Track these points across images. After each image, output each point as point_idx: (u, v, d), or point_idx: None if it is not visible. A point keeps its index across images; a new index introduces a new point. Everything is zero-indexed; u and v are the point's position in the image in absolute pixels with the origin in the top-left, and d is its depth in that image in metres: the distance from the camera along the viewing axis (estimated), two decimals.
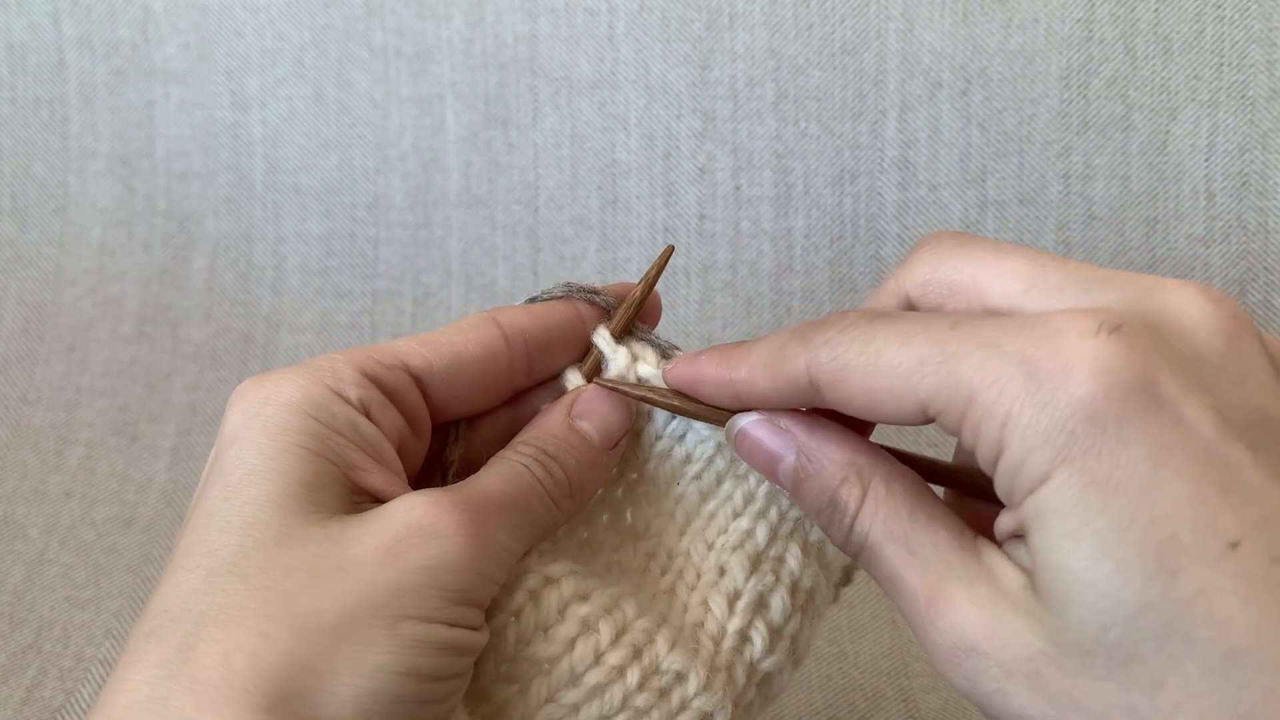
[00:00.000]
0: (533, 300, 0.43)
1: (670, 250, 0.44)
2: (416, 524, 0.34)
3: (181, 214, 0.80)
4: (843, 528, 0.35)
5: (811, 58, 0.74)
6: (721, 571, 0.41)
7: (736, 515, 0.42)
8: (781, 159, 0.75)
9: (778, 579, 0.41)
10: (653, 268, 0.44)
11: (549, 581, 0.38)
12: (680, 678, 0.38)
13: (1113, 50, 0.73)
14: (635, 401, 0.42)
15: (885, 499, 0.35)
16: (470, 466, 0.39)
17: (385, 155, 0.78)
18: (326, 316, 0.79)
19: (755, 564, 0.41)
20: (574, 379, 0.43)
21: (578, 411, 0.41)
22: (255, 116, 0.79)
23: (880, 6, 0.73)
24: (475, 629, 0.35)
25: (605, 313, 0.43)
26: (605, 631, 0.38)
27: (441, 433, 0.42)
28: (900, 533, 0.34)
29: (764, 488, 0.42)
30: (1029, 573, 0.31)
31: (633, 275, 0.76)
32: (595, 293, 0.43)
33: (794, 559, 0.42)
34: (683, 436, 0.42)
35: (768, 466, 0.38)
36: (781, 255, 0.75)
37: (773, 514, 0.42)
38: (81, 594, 0.65)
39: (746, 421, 0.39)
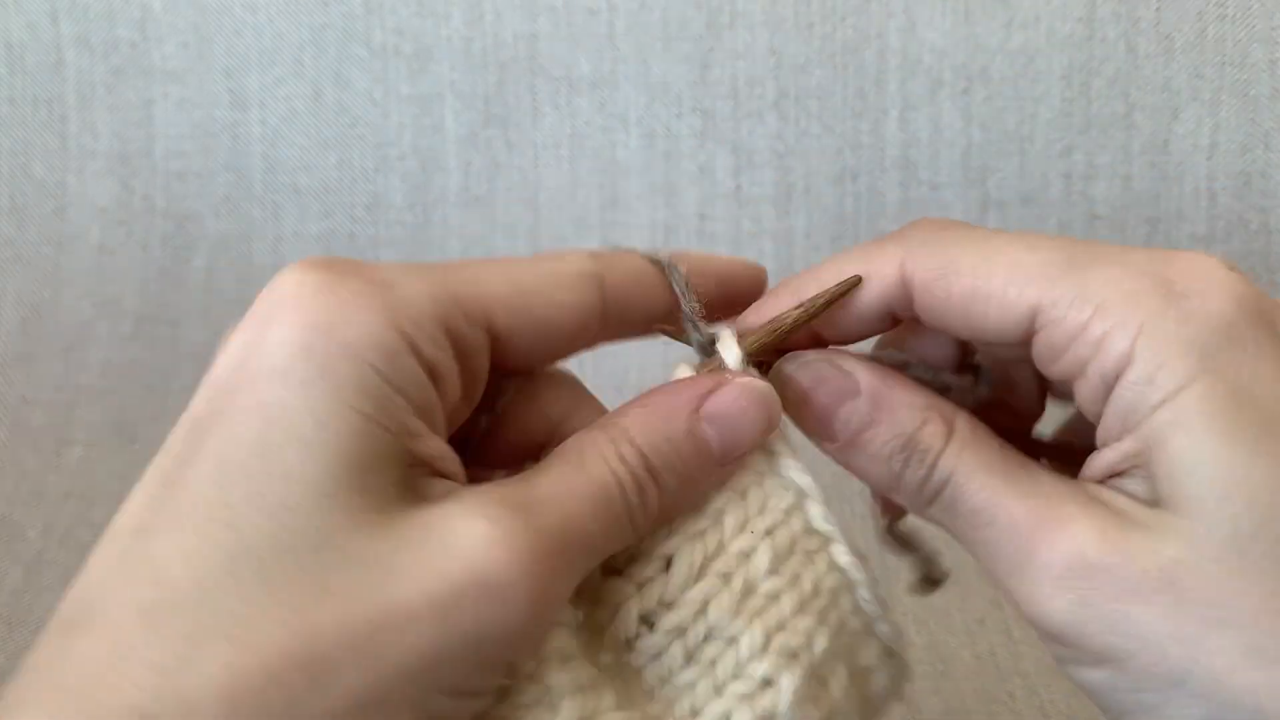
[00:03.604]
0: (652, 259, 0.35)
1: (857, 281, 0.34)
2: (479, 573, 0.27)
3: (180, 214, 0.79)
4: (921, 468, 0.32)
5: (812, 56, 0.74)
6: (767, 683, 0.32)
7: (801, 608, 0.33)
8: (782, 158, 0.75)
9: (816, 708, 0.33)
10: (823, 295, 0.34)
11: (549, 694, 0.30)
12: None
13: (1114, 49, 0.72)
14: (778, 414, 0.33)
15: (972, 437, 0.33)
16: (510, 420, 0.33)
17: (384, 155, 0.78)
18: None
19: (806, 684, 0.33)
20: (730, 351, 0.34)
21: (711, 411, 0.32)
22: (254, 116, 0.78)
23: (881, 5, 0.73)
24: (497, 688, 0.29)
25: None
26: None
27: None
28: (995, 464, 0.32)
29: (830, 579, 0.34)
30: (1148, 500, 0.30)
31: None
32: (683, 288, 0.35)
33: (839, 686, 0.33)
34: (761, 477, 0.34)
35: (826, 410, 0.33)
36: (782, 255, 0.75)
37: (833, 619, 0.34)
38: None
39: (806, 358, 0.34)
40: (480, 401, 0.34)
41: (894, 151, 0.74)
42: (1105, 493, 0.31)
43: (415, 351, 0.29)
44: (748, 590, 0.33)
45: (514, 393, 0.34)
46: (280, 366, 0.28)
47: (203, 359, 0.31)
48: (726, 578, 0.33)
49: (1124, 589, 0.29)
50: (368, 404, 0.28)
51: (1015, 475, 0.32)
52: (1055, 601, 0.30)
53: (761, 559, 0.33)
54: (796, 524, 0.34)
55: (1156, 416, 0.29)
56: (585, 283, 0.33)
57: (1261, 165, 0.73)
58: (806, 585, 0.33)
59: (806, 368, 0.34)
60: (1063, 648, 0.31)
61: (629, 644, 0.33)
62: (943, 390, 0.35)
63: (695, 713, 0.32)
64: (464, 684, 0.27)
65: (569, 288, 0.33)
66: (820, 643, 0.33)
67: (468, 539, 0.27)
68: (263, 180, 0.79)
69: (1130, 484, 0.31)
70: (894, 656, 0.35)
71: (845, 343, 0.36)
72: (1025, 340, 0.32)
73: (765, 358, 0.35)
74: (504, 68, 0.76)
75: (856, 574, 0.34)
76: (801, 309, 0.34)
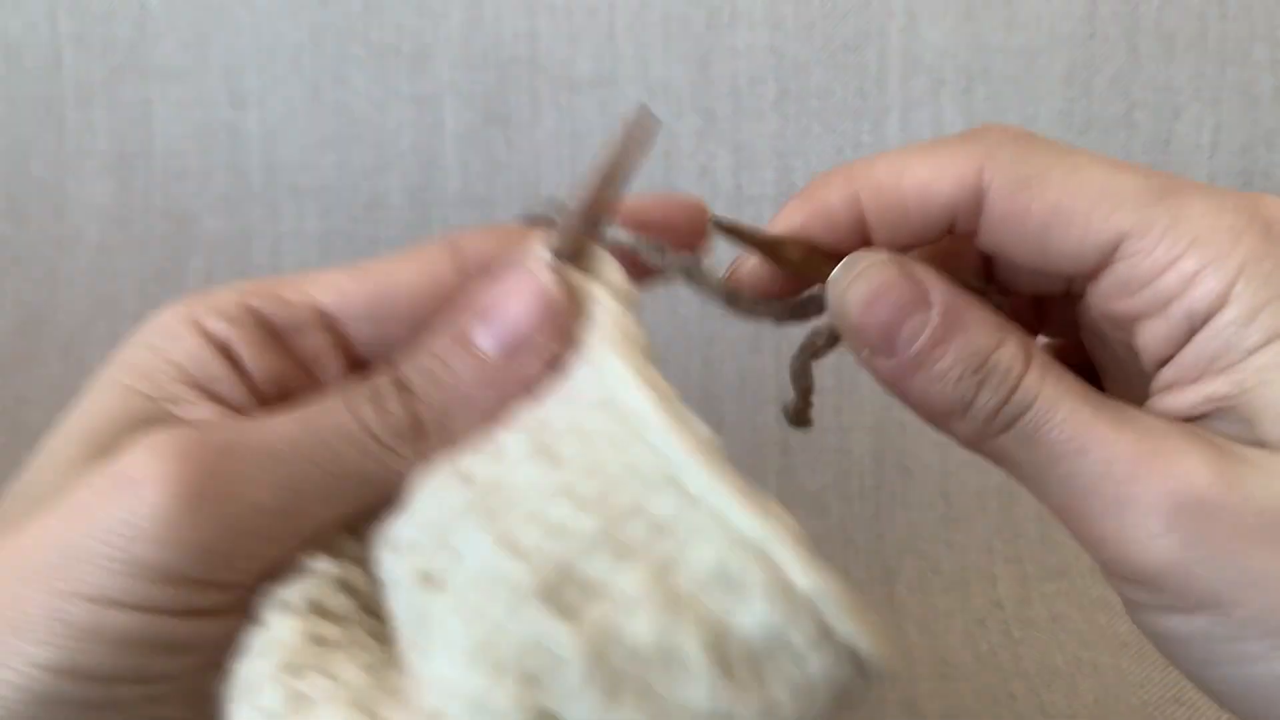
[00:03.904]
0: (526, 218, 0.32)
1: (646, 116, 0.30)
2: (115, 469, 0.26)
3: (179, 213, 0.79)
4: (1001, 390, 0.29)
5: (813, 55, 0.73)
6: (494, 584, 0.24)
7: (558, 489, 0.25)
8: (783, 157, 0.74)
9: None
10: (617, 144, 0.30)
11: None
12: None
13: (1116, 48, 0.72)
14: (576, 289, 0.29)
15: (1050, 364, 0.30)
16: None
17: (383, 154, 0.77)
18: None
19: (548, 590, 0.24)
20: (532, 250, 0.30)
21: (482, 307, 0.29)
22: (253, 115, 0.78)
23: (882, 4, 0.73)
24: (197, 615, 0.26)
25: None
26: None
27: None
28: (1081, 391, 0.29)
29: (642, 459, 0.25)
30: (1243, 439, 0.28)
31: None
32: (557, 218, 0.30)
33: (620, 598, 0.23)
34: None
35: (892, 322, 0.30)
36: None
37: (625, 500, 0.25)
38: None
39: (873, 260, 0.30)
40: None
41: None
42: (1200, 430, 0.29)
43: (196, 327, 0.30)
44: (491, 487, 0.26)
45: None
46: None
47: None
48: (466, 478, 0.27)
49: (1241, 529, 0.27)
50: (129, 375, 0.30)
51: (1104, 403, 0.29)
52: (1161, 540, 0.27)
53: (517, 447, 0.27)
54: (604, 413, 0.27)
55: (1256, 359, 0.28)
56: (430, 247, 0.31)
57: (1264, 165, 0.73)
58: (575, 470, 0.25)
59: (871, 272, 0.30)
60: (1154, 593, 0.28)
61: (381, 584, 0.28)
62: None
63: (426, 653, 0.25)
64: (106, 587, 0.25)
65: (410, 254, 0.31)
66: (579, 536, 0.24)
67: (131, 448, 0.27)
68: (261, 180, 0.79)
69: (1221, 424, 0.29)
70: (755, 554, 0.23)
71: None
72: (1096, 270, 0.30)
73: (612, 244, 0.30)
74: (503, 67, 0.76)
75: (675, 452, 0.25)
76: (606, 167, 0.30)
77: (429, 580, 0.26)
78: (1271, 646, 0.27)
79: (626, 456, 0.25)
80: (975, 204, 0.30)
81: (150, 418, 0.29)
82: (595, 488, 0.25)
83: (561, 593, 0.23)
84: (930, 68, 0.73)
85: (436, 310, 0.31)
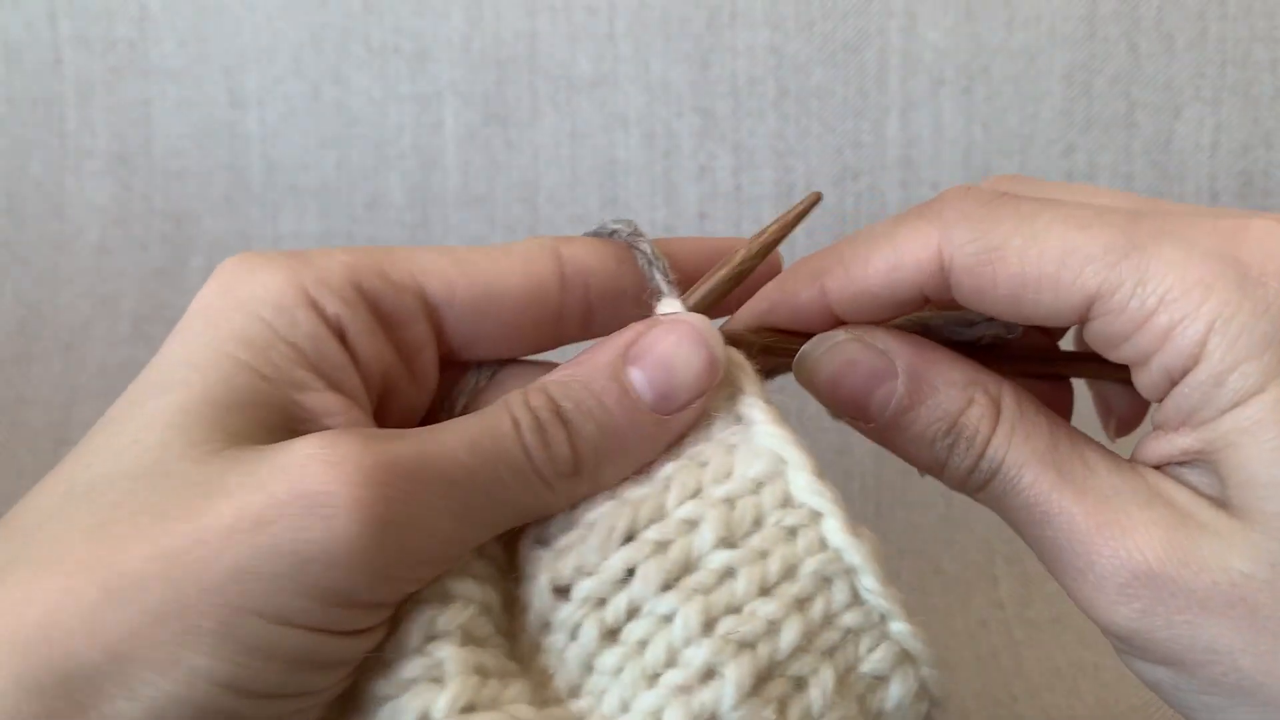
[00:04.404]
0: (598, 233, 0.32)
1: (817, 198, 0.33)
2: (298, 486, 0.25)
3: (179, 213, 0.79)
4: (969, 456, 0.30)
5: (813, 55, 0.73)
6: (708, 675, 0.27)
7: (764, 590, 0.28)
8: (783, 157, 0.74)
9: (781, 715, 0.28)
10: (780, 223, 0.33)
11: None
12: None
13: (1116, 48, 0.72)
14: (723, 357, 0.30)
15: (1021, 419, 0.30)
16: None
17: (383, 154, 0.77)
18: None
19: (759, 681, 0.28)
20: (667, 307, 0.31)
21: (636, 352, 0.29)
22: (253, 115, 0.78)
23: (883, 4, 0.73)
24: (356, 634, 0.26)
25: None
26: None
27: (460, 372, 0.32)
28: (1045, 452, 0.30)
29: (813, 561, 0.29)
30: (1212, 496, 0.28)
31: None
32: (654, 261, 0.31)
33: (820, 692, 0.28)
34: (734, 447, 0.30)
35: (860, 394, 0.31)
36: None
37: (817, 608, 0.29)
38: None
39: (835, 340, 0.31)
40: (449, 391, 0.32)
41: (895, 150, 0.74)
42: (1165, 484, 0.29)
43: (314, 306, 0.28)
44: (688, 563, 0.28)
45: (486, 382, 0.32)
46: (181, 326, 0.29)
47: None
48: (662, 546, 0.28)
49: (1192, 600, 0.27)
50: (245, 351, 0.28)
51: (1069, 465, 0.30)
52: (1119, 609, 0.28)
53: (709, 529, 0.28)
54: (771, 495, 0.29)
55: (1227, 420, 0.27)
56: (534, 249, 0.31)
57: (1263, 165, 0.72)
58: (774, 565, 0.28)
59: (834, 350, 0.31)
60: (1127, 646, 0.30)
61: (546, 624, 0.29)
62: (968, 326, 0.33)
63: (624, 708, 0.27)
64: (283, 608, 0.25)
65: (515, 253, 0.31)
66: (790, 634, 0.28)
67: (296, 457, 0.25)
68: (261, 180, 0.79)
69: (1191, 475, 0.29)
70: (912, 664, 0.31)
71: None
72: (1079, 324, 0.30)
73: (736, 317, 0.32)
74: (503, 66, 0.76)
75: (854, 556, 0.29)
76: (749, 249, 0.32)
77: (614, 638, 0.28)
78: (1235, 703, 0.28)
79: (797, 547, 0.29)
80: (941, 279, 0.31)
81: (274, 403, 0.28)
82: (785, 582, 0.29)
83: (770, 684, 0.28)
84: (930, 68, 0.73)
85: (538, 317, 0.31)
